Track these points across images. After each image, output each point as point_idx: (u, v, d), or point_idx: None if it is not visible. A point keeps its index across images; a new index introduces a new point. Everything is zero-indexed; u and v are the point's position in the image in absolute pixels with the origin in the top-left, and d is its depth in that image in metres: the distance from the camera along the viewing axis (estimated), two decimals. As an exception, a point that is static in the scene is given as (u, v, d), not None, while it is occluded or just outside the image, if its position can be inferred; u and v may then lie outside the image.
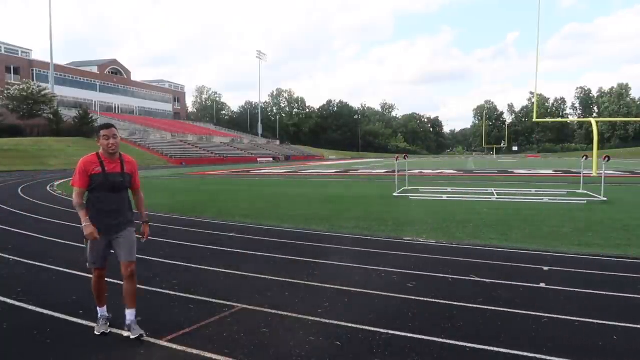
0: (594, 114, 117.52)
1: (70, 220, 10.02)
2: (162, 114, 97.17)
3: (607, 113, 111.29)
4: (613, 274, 5.57)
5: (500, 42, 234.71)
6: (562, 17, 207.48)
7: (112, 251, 3.74)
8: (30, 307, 4.37)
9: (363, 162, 58.74)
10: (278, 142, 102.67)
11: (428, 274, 5.58)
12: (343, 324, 3.92)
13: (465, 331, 3.76)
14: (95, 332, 3.70)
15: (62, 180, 23.57)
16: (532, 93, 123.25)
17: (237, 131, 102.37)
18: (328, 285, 5.03)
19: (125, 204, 3.75)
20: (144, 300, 4.37)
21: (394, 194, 14.77)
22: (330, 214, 10.81)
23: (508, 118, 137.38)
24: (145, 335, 3.55)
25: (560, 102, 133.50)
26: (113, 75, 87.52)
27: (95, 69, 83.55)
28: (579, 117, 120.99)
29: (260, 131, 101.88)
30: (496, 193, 15.01)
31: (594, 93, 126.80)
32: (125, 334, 3.52)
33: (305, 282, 5.19)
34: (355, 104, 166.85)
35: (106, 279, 3.91)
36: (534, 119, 38.52)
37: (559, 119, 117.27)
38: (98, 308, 3.80)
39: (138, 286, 3.93)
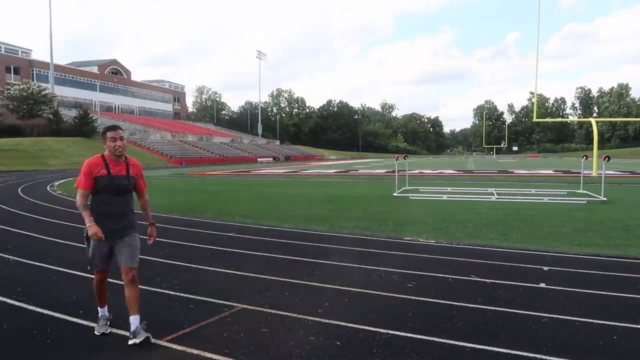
0: (594, 114, 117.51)
1: (70, 220, 10.02)
2: (162, 114, 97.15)
3: (607, 113, 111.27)
4: (613, 274, 5.57)
5: (500, 42, 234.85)
6: (562, 17, 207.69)
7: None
8: (30, 307, 4.37)
9: (363, 162, 58.74)
10: (278, 142, 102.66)
11: (428, 274, 5.58)
12: (343, 324, 3.92)
13: (465, 331, 3.76)
14: (95, 332, 3.69)
15: (62, 180, 23.58)
16: (532, 93, 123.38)
17: (237, 131, 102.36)
18: (328, 285, 5.03)
19: (130, 207, 3.70)
20: (144, 300, 4.35)
21: (394, 194, 14.77)
22: (330, 214, 10.81)
23: (508, 118, 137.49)
24: (151, 338, 3.46)
25: (560, 102, 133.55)
26: (113, 75, 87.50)
27: (95, 69, 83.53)
28: (579, 117, 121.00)
29: (260, 131, 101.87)
30: (496, 193, 15.01)
31: (594, 93, 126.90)
32: (130, 341, 3.45)
33: (305, 282, 5.19)
34: (355, 104, 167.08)
35: (108, 280, 3.89)
36: (534, 119, 38.54)
37: (559, 119, 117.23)
38: (99, 308, 3.78)
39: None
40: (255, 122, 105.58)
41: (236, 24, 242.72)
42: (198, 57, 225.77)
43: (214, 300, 4.53)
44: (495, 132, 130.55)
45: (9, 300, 4.58)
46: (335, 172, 32.91)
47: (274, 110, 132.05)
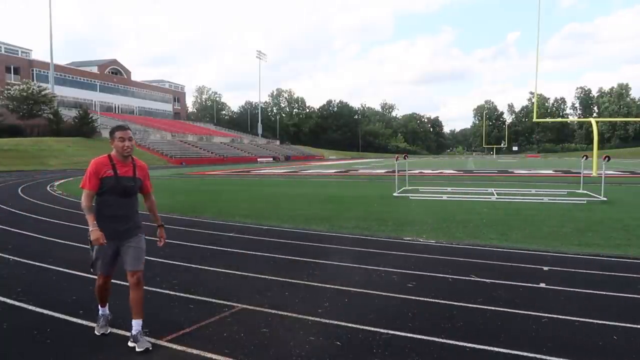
0: (594, 114, 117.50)
1: (70, 220, 10.03)
2: (162, 114, 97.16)
3: (607, 113, 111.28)
4: (613, 274, 5.57)
5: (500, 42, 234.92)
6: (562, 17, 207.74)
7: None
8: (30, 307, 4.37)
9: (363, 162, 58.74)
10: (278, 142, 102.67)
11: (428, 274, 5.58)
12: (343, 324, 3.92)
13: (465, 331, 3.76)
14: (95, 332, 3.69)
15: (62, 180, 23.58)
16: (532, 93, 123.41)
17: (237, 131, 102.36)
18: (328, 285, 5.03)
19: (135, 209, 3.65)
20: (144, 300, 4.35)
21: (394, 194, 14.77)
22: (330, 214, 10.81)
23: (508, 118, 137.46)
24: (150, 349, 3.40)
25: (560, 102, 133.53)
26: (113, 75, 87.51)
27: (95, 69, 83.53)
28: (579, 117, 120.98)
29: (260, 131, 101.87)
30: (496, 193, 15.01)
31: (594, 93, 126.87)
32: (130, 344, 3.44)
33: (305, 282, 5.20)
34: (355, 104, 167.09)
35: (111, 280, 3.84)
36: (534, 119, 38.53)
37: (559, 119, 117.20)
38: (99, 307, 3.76)
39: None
40: (255, 122, 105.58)
41: (236, 24, 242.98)
42: (198, 57, 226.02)
43: (214, 300, 4.53)
44: (495, 132, 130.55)
45: (9, 300, 4.58)
46: (335, 172, 32.91)
47: (274, 110, 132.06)
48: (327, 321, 3.98)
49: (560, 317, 4.08)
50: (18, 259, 6.33)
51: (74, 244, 7.37)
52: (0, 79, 63.75)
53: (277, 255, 6.56)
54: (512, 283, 5.15)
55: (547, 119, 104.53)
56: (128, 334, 3.55)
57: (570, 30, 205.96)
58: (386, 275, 5.51)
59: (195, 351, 3.37)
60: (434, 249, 6.99)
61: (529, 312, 4.18)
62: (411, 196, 14.30)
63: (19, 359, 3.31)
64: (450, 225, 8.96)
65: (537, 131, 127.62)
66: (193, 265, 6.00)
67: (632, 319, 4.03)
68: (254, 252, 6.76)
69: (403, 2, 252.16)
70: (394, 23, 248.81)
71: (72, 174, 30.19)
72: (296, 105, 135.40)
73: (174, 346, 3.47)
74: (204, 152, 68.15)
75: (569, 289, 4.93)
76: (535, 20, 51.37)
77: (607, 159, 14.74)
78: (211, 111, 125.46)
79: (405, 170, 20.63)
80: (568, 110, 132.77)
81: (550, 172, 30.37)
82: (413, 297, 4.65)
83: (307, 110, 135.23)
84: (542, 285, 5.06)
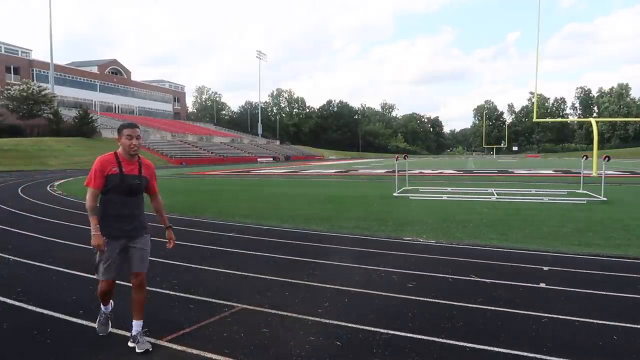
0: (594, 114, 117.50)
1: (70, 220, 10.03)
2: (162, 114, 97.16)
3: (607, 113, 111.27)
4: (613, 274, 5.57)
5: (500, 42, 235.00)
6: (562, 17, 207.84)
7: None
8: (30, 307, 4.37)
9: (363, 162, 58.74)
10: (278, 142, 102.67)
11: (428, 274, 5.58)
12: (343, 324, 3.92)
13: (465, 331, 3.76)
14: (98, 332, 3.67)
15: (62, 180, 23.55)
16: (532, 93, 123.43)
17: (237, 131, 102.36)
18: (328, 285, 5.03)
19: (141, 208, 3.56)
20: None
21: (394, 194, 14.77)
22: (330, 214, 10.81)
23: (508, 118, 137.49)
24: (150, 349, 3.38)
25: (560, 102, 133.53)
26: (113, 75, 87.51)
27: (95, 69, 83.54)
28: (579, 117, 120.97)
29: (260, 131, 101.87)
30: (496, 193, 15.01)
31: (594, 93, 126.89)
32: (130, 344, 3.44)
33: (305, 282, 5.20)
34: (355, 104, 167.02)
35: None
36: (534, 119, 38.54)
37: (559, 119, 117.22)
38: (102, 306, 3.67)
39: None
40: (255, 122, 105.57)
41: (236, 24, 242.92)
42: (198, 57, 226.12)
43: (214, 300, 4.53)
44: (495, 132, 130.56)
45: (9, 300, 4.57)
46: (335, 172, 32.91)
47: (274, 110, 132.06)
48: (327, 321, 3.98)
49: (560, 317, 4.08)
50: (18, 259, 6.33)
51: (74, 244, 7.38)
52: (0, 79, 63.75)
53: (277, 255, 6.56)
54: (512, 283, 5.15)
55: (547, 119, 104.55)
56: (128, 334, 3.54)
57: (570, 30, 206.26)
58: (386, 275, 5.51)
59: (195, 351, 3.37)
60: (434, 249, 6.99)
61: (529, 312, 4.18)
62: (411, 196, 14.30)
63: (19, 359, 3.31)
64: (450, 225, 8.96)
65: (537, 131, 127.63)
66: (193, 265, 6.00)
67: (632, 319, 4.03)
68: (254, 252, 6.76)
69: (403, 2, 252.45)
70: (394, 23, 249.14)
71: (72, 174, 30.19)
72: (296, 105, 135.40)
73: (174, 346, 3.47)
74: (204, 152, 68.15)
75: (569, 289, 4.93)
76: (535, 20, 51.41)
77: (607, 159, 14.74)
78: (211, 111, 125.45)
79: (405, 170, 20.63)
80: (568, 110, 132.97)
81: (550, 172, 30.37)
82: (413, 297, 4.65)
83: (307, 110, 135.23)
84: (542, 285, 5.06)
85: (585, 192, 14.81)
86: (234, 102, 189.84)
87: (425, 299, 4.60)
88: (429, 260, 6.27)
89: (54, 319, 4.06)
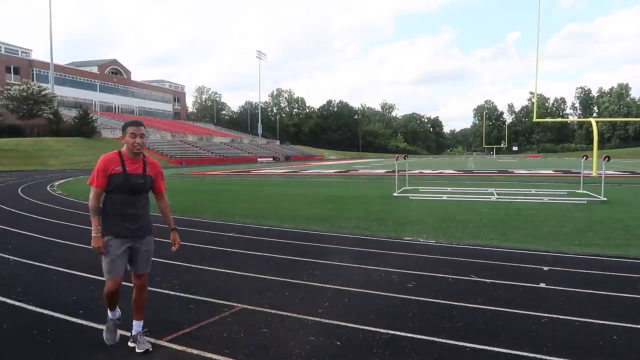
0: (594, 114, 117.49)
1: (70, 220, 10.03)
2: (162, 114, 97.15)
3: (607, 113, 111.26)
4: (613, 274, 5.57)
5: (500, 42, 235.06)
6: (562, 17, 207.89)
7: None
8: (30, 307, 4.37)
9: (363, 162, 58.73)
10: (278, 142, 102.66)
11: (428, 274, 5.58)
12: (343, 324, 3.92)
13: (465, 331, 3.76)
14: (106, 341, 3.48)
15: (62, 180, 23.55)
16: (532, 93, 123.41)
17: (237, 131, 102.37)
18: (328, 285, 5.03)
19: (145, 208, 3.49)
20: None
21: (394, 194, 14.77)
22: (330, 214, 10.81)
23: (508, 118, 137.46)
24: (150, 350, 3.37)
25: (560, 102, 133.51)
26: (113, 75, 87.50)
27: (95, 69, 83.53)
28: (579, 117, 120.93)
29: (260, 131, 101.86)
30: (496, 193, 15.01)
31: (594, 93, 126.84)
32: (130, 344, 3.43)
33: (305, 282, 5.19)
34: (355, 104, 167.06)
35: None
36: (534, 119, 38.52)
37: (559, 119, 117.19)
38: (108, 311, 3.51)
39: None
40: (255, 122, 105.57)
41: (236, 24, 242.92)
42: (198, 57, 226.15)
43: (214, 300, 4.53)
44: (495, 132, 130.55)
45: (9, 300, 4.57)
46: (335, 172, 32.91)
47: (274, 110, 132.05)
48: (327, 321, 3.98)
49: (560, 317, 4.08)
50: (18, 259, 6.33)
51: (74, 244, 7.38)
52: (0, 79, 63.75)
53: (277, 255, 6.56)
54: (512, 283, 5.15)
55: (547, 119, 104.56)
56: (128, 334, 3.54)
57: (570, 30, 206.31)
58: (386, 275, 5.51)
59: (195, 351, 3.37)
60: (434, 249, 6.99)
61: (529, 312, 4.18)
62: (411, 196, 14.30)
63: (19, 359, 3.31)
64: (450, 225, 8.96)
65: (537, 131, 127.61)
66: (193, 265, 6.00)
67: (632, 319, 4.03)
68: (254, 252, 6.76)
69: (403, 2, 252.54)
70: (394, 23, 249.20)
71: (72, 174, 30.18)
72: (296, 105, 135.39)
73: (174, 346, 3.47)
74: (204, 152, 68.15)
75: (569, 289, 4.93)
76: (535, 20, 51.40)
77: (607, 159, 14.74)
78: (211, 111, 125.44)
79: (405, 170, 20.63)
80: (568, 110, 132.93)
81: (550, 172, 30.36)
82: (413, 297, 4.65)
83: (307, 110, 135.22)
84: (542, 285, 5.06)
85: (585, 192, 14.81)
86: (234, 102, 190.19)
87: (425, 299, 4.60)
88: (429, 260, 6.27)
89: (54, 319, 4.06)
